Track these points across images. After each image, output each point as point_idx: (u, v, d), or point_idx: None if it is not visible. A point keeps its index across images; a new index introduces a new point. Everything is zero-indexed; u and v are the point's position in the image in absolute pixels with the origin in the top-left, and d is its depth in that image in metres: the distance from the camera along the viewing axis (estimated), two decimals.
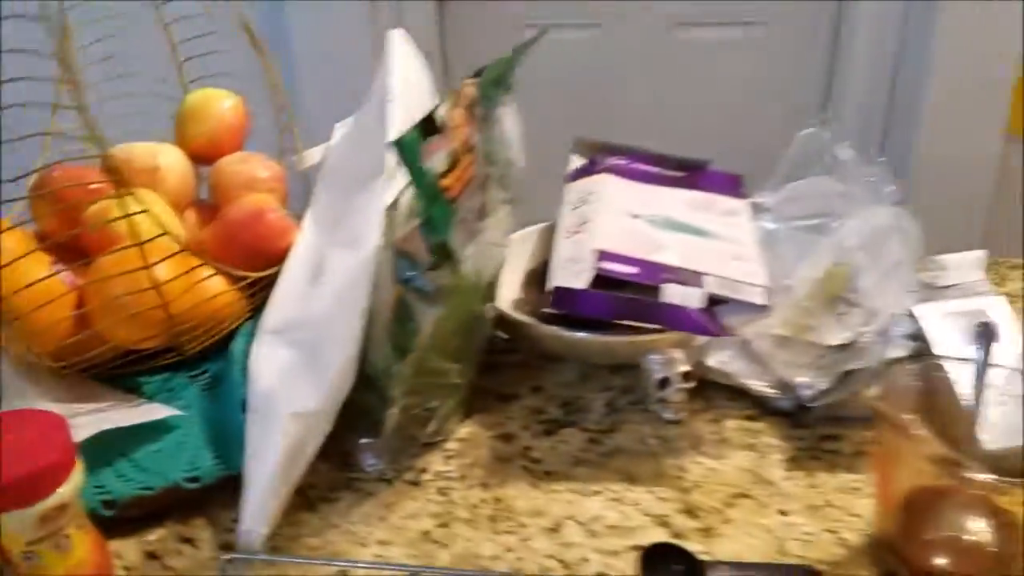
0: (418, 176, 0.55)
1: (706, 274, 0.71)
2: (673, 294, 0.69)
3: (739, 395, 0.75)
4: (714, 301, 0.70)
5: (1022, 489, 0.57)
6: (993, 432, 0.62)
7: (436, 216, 0.57)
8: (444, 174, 0.58)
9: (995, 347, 0.61)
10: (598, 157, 0.88)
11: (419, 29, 1.94)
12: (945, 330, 0.70)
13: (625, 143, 0.91)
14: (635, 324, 0.70)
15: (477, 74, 0.66)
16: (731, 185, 0.86)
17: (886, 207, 0.74)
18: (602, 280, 0.70)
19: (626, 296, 0.69)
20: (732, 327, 0.70)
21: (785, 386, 0.73)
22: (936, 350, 0.69)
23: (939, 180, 1.91)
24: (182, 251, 0.65)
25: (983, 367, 0.60)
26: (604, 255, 0.71)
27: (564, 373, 0.80)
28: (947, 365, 0.61)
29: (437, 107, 0.58)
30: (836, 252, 0.76)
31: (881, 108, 1.98)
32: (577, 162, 0.89)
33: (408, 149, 0.55)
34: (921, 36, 1.84)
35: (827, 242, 0.77)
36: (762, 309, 0.70)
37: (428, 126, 0.57)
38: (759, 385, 0.74)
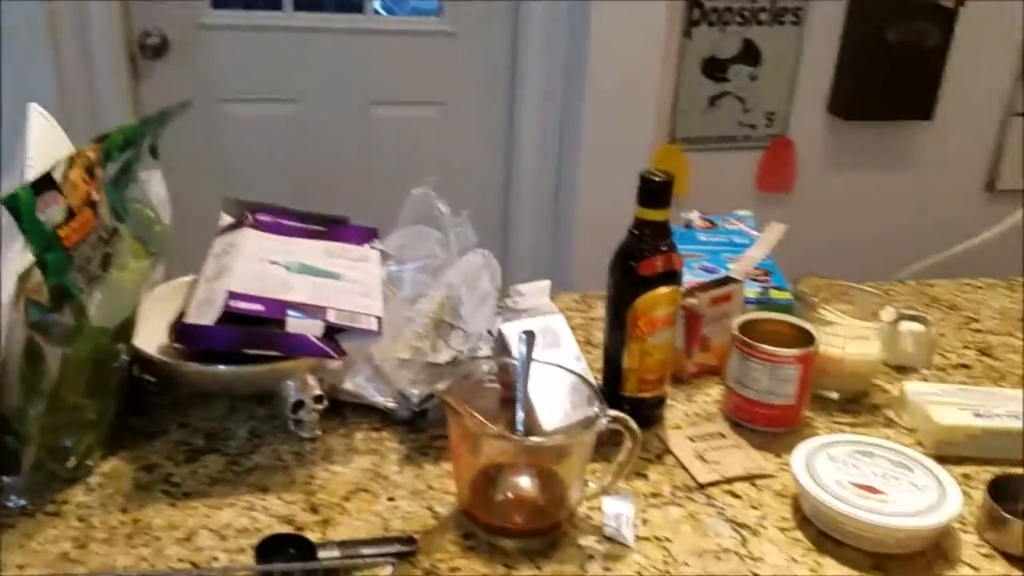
0: (30, 226, 0.63)
1: (329, 308, 0.84)
2: (295, 325, 0.80)
3: (369, 410, 0.88)
4: (336, 330, 0.83)
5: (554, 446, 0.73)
6: (548, 414, 0.79)
7: (50, 261, 0.65)
8: (60, 225, 0.66)
9: (536, 349, 0.78)
10: (245, 214, 0.98)
11: (111, 98, 1.96)
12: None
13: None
14: (267, 353, 0.81)
15: (100, 139, 0.75)
16: (366, 237, 1.00)
17: (479, 251, 0.91)
18: (235, 317, 0.80)
19: (251, 328, 0.79)
20: (350, 350, 0.83)
21: (405, 399, 0.87)
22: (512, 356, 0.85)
23: (595, 230, 2.22)
24: None
25: (526, 365, 0.77)
26: (234, 295, 0.81)
27: (212, 408, 0.88)
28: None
29: (54, 167, 0.66)
30: (444, 288, 0.91)
31: (551, 177, 2.27)
32: (227, 219, 0.99)
33: (20, 202, 0.62)
34: (575, 121, 2.16)
35: (438, 281, 0.92)
36: (376, 335, 0.84)
37: (44, 183, 0.65)
38: (384, 400, 0.87)
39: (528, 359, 0.77)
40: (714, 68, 2.23)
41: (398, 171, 2.22)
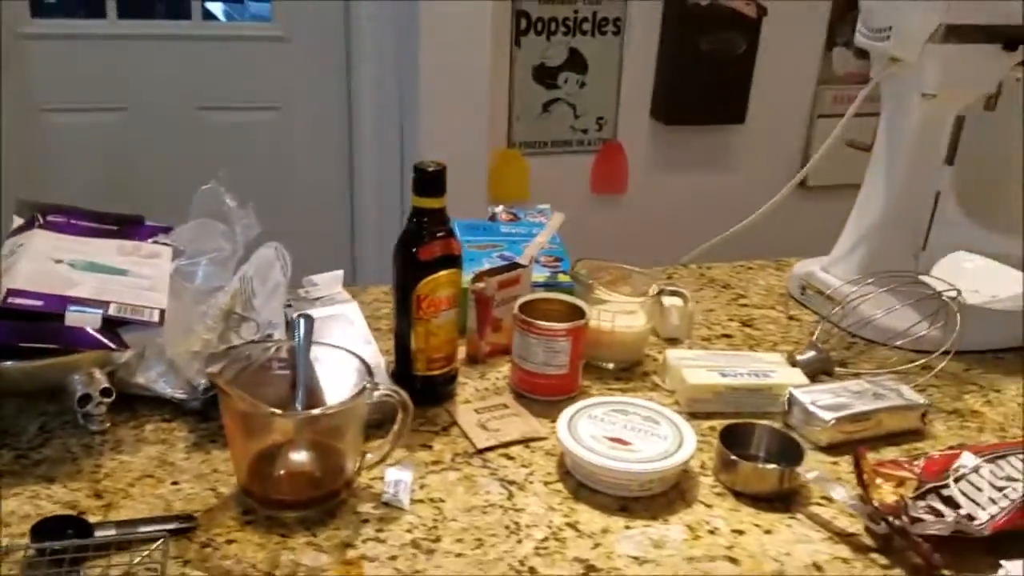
0: None
1: (111, 302, 0.86)
2: (73, 318, 0.82)
3: (161, 403, 0.90)
4: (119, 323, 0.85)
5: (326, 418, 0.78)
6: (333, 395, 0.83)
7: None
8: None
9: (330, 336, 0.83)
10: (36, 216, 0.99)
11: None
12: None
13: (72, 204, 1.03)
14: (47, 347, 0.82)
15: None
16: (159, 234, 1.02)
17: (271, 244, 0.95)
18: (15, 314, 0.81)
19: (29, 323, 0.81)
20: (137, 343, 0.85)
21: (194, 389, 0.89)
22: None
23: None
24: None
25: (303, 346, 0.81)
26: (12, 292, 0.82)
27: (2, 407, 0.88)
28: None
29: None
30: (238, 281, 0.95)
31: (394, 180, 2.32)
32: (18, 221, 0.99)
33: None
34: (413, 126, 2.21)
35: (232, 273, 0.96)
36: (156, 326, 0.86)
37: None
38: (173, 392, 0.90)
39: (307, 341, 0.82)
40: (544, 75, 2.33)
41: (235, 175, 2.22)
